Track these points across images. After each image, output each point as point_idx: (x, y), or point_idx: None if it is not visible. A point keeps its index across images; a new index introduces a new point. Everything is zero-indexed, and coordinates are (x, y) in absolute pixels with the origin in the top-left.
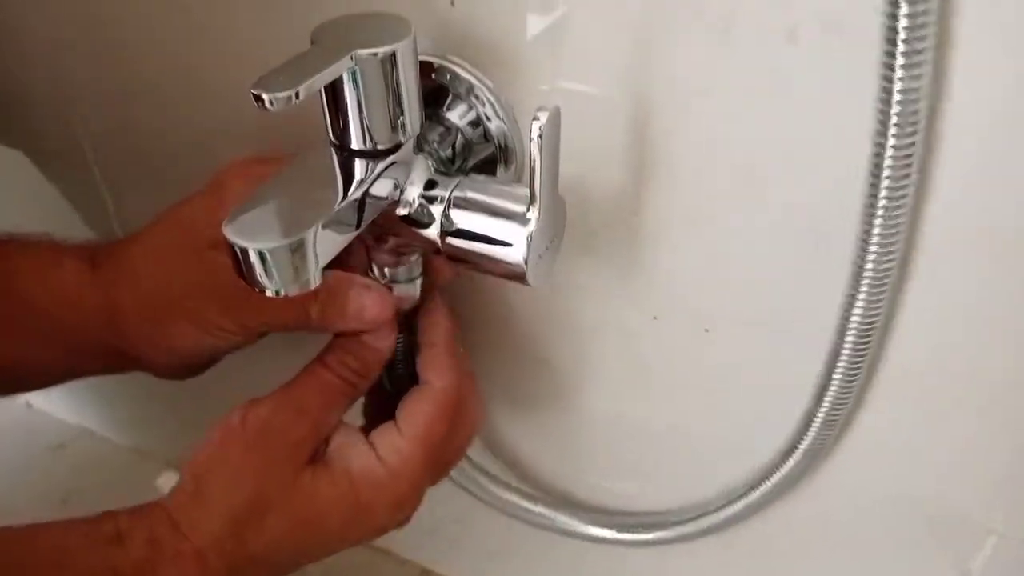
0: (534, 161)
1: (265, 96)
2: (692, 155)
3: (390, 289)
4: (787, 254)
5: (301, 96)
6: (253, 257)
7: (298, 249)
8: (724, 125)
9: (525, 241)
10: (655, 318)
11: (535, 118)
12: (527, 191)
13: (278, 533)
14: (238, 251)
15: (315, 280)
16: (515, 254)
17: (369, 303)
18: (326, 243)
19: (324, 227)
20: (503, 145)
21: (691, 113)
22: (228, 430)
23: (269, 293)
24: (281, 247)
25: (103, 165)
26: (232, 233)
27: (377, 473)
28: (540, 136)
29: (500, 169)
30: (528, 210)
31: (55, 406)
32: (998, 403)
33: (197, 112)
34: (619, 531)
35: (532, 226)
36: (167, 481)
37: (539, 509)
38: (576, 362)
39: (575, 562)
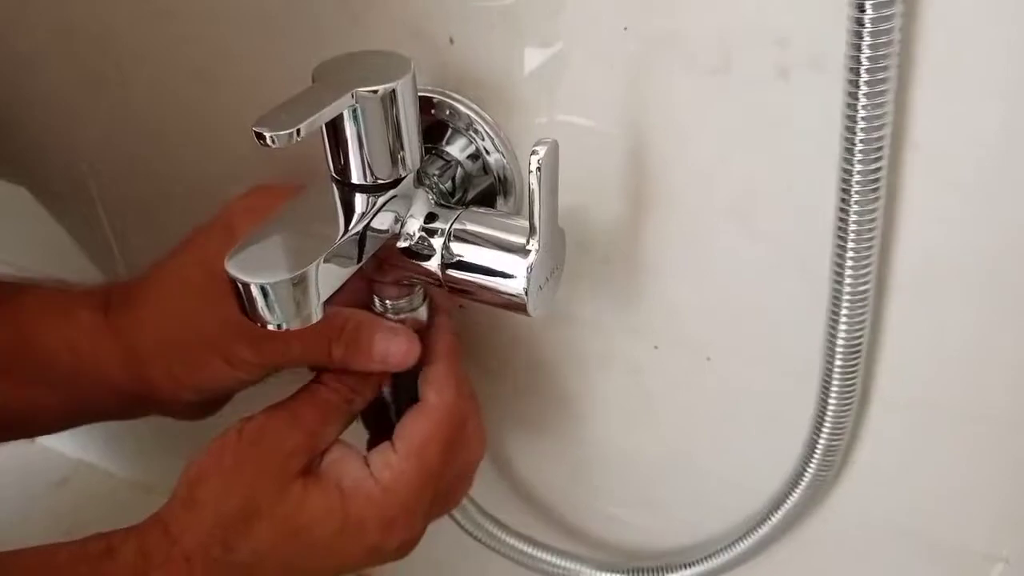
0: (533, 193)
1: (267, 134)
2: (689, 186)
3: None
4: (780, 284)
5: (302, 134)
6: (255, 292)
7: (300, 283)
8: (719, 157)
9: (526, 272)
10: (656, 347)
11: (534, 151)
12: (527, 223)
13: (265, 542)
14: (240, 286)
15: (317, 314)
16: (516, 285)
17: (395, 349)
18: (328, 277)
19: (326, 261)
20: (502, 178)
21: (687, 145)
22: (224, 440)
23: (271, 327)
24: (283, 282)
25: (108, 204)
26: (234, 268)
27: (367, 487)
28: (539, 169)
29: (500, 201)
30: (528, 242)
31: (57, 441)
32: (1000, 429)
33: (201, 152)
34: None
35: (532, 257)
36: None
37: (545, 556)
38: (578, 391)
39: None
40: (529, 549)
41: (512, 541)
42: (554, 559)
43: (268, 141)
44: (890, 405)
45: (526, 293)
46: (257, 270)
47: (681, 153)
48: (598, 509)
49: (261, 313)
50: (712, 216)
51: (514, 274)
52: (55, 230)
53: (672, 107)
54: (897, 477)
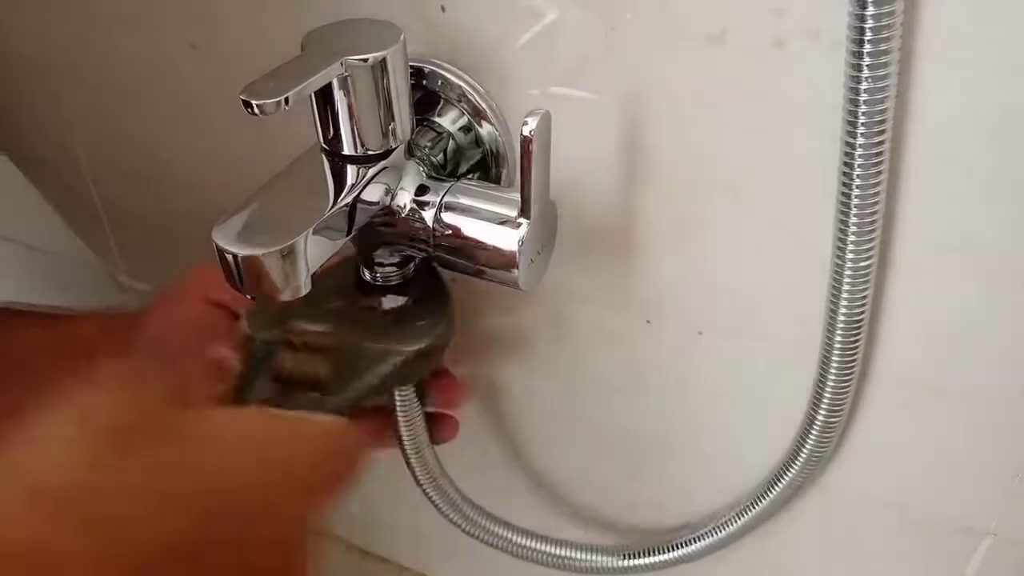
0: (525, 165)
1: (255, 103)
2: (683, 159)
3: None
4: (774, 259)
5: (291, 103)
6: (243, 263)
7: (289, 255)
8: (714, 131)
9: (516, 245)
10: (648, 322)
11: (525, 122)
12: (518, 196)
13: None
14: (228, 257)
15: (305, 287)
16: (507, 258)
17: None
18: (317, 248)
19: (315, 232)
20: (494, 150)
21: (682, 117)
22: None
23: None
24: (271, 253)
25: (96, 174)
26: (222, 239)
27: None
28: (530, 140)
29: (492, 174)
30: (519, 215)
31: None
32: (991, 406)
33: (190, 121)
34: (621, 558)
35: (523, 231)
36: None
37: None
38: (570, 366)
39: None
40: (509, 535)
41: (494, 528)
42: (543, 547)
43: (255, 109)
44: (887, 382)
45: (517, 266)
46: (245, 241)
47: (676, 125)
48: (589, 485)
49: (248, 284)
50: (707, 190)
51: (505, 247)
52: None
53: (666, 78)
54: (889, 453)
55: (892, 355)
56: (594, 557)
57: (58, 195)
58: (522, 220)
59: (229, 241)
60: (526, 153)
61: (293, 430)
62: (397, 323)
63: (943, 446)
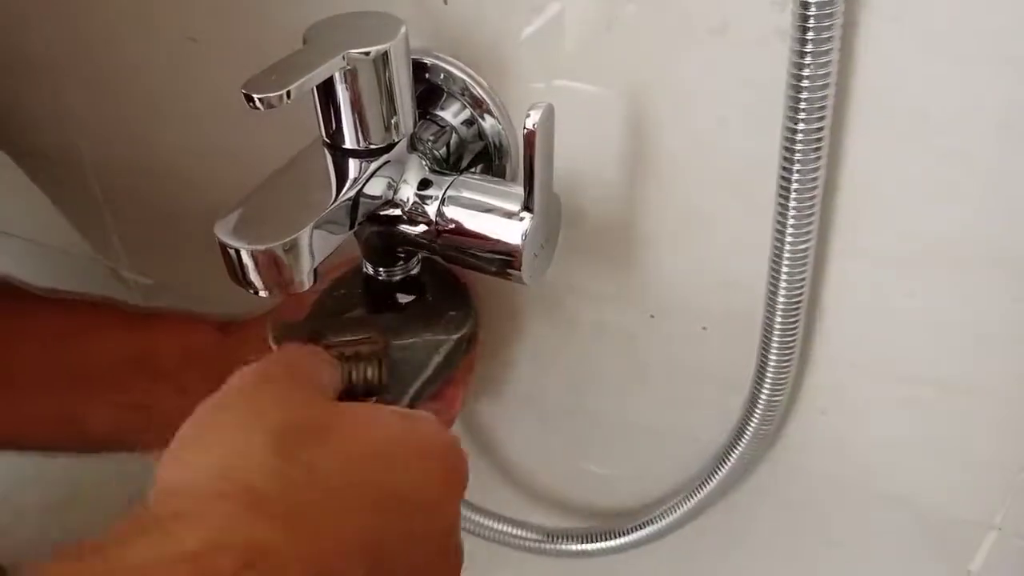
0: (528, 159)
1: (256, 96)
2: (686, 152)
3: None
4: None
5: (292, 96)
6: (246, 258)
7: (291, 249)
8: (717, 123)
9: (520, 239)
10: (651, 316)
11: (527, 115)
12: (522, 189)
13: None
14: (231, 252)
15: (308, 280)
16: (510, 252)
17: None
18: (320, 243)
19: (317, 227)
20: (497, 144)
21: (684, 110)
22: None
23: (262, 293)
24: (274, 248)
25: (97, 168)
26: (224, 234)
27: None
28: (533, 133)
29: (495, 168)
30: (523, 208)
31: None
32: (992, 400)
33: (191, 115)
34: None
35: (527, 224)
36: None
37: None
38: (572, 360)
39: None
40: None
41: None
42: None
43: (258, 103)
44: (890, 377)
45: (520, 260)
46: (248, 235)
47: (679, 118)
48: (588, 477)
49: (251, 279)
50: (710, 184)
51: (508, 241)
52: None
53: (669, 71)
54: (893, 447)
55: (894, 351)
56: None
57: (59, 189)
58: (525, 214)
59: (231, 236)
60: (529, 146)
61: (422, 424)
62: (426, 316)
63: (947, 441)
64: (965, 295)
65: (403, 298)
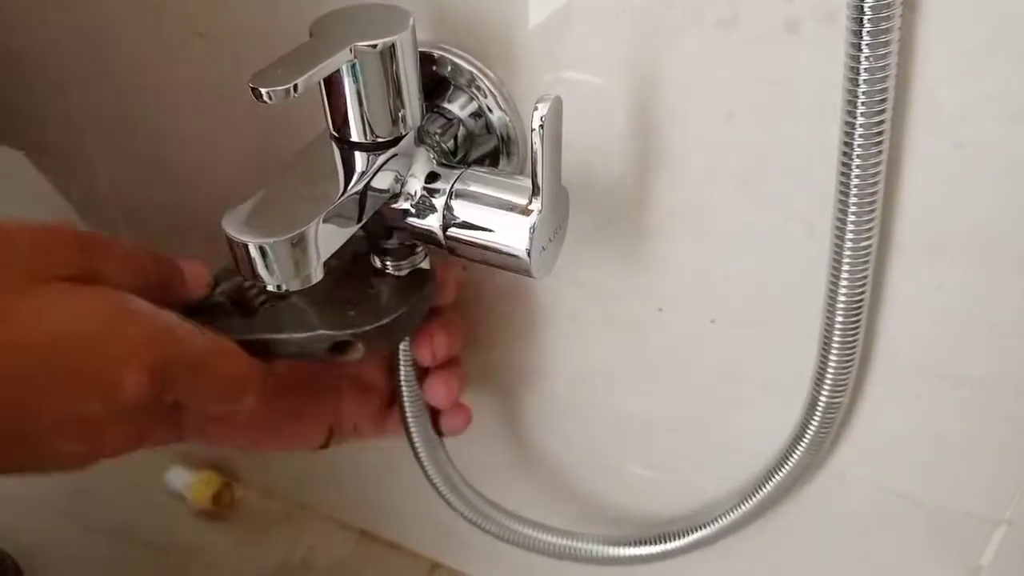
0: (536, 152)
1: (263, 90)
2: (695, 145)
3: None
4: (787, 246)
5: (299, 90)
6: (254, 252)
7: (299, 243)
8: (727, 115)
9: (528, 233)
10: (660, 310)
11: (536, 108)
12: (530, 182)
13: None
14: (239, 246)
15: (317, 274)
16: (518, 246)
17: None
18: (327, 237)
19: (325, 221)
20: (505, 136)
21: (694, 102)
22: None
23: (270, 288)
24: (282, 242)
25: (105, 161)
26: (232, 228)
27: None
28: (541, 126)
29: (503, 161)
30: (531, 201)
31: None
32: (1004, 393)
33: (198, 108)
34: (627, 547)
35: (535, 217)
36: (176, 476)
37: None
38: (581, 354)
39: None
40: (516, 526)
41: (499, 518)
42: (551, 537)
43: (264, 97)
44: (891, 367)
45: (529, 254)
46: (255, 229)
47: (688, 110)
48: (597, 473)
49: (259, 272)
50: (719, 176)
51: (517, 234)
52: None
53: (679, 63)
54: (900, 441)
55: (901, 343)
56: (597, 546)
57: (66, 185)
58: (533, 207)
59: (239, 230)
60: (537, 139)
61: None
62: (343, 302)
63: (958, 436)
64: (976, 289)
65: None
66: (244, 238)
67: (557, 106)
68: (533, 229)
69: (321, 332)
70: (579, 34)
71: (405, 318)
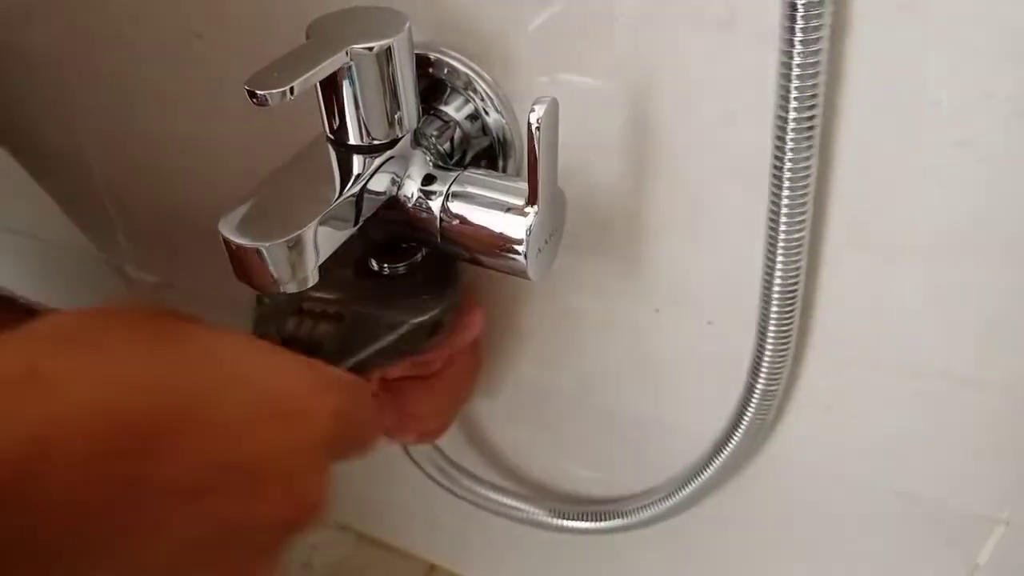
0: (532, 153)
1: (259, 93)
2: (693, 147)
3: None
4: None
5: (296, 92)
6: (250, 255)
7: (296, 246)
8: (724, 117)
9: (525, 234)
10: (657, 311)
11: (532, 110)
12: (526, 184)
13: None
14: (235, 249)
15: (313, 278)
16: (515, 248)
17: None
18: (325, 239)
19: (322, 223)
20: (502, 139)
21: (691, 104)
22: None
23: (268, 290)
24: (279, 244)
25: (103, 166)
26: (229, 230)
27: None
28: (537, 128)
29: (499, 163)
30: (527, 203)
31: None
32: (1001, 394)
33: (196, 111)
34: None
35: (531, 219)
36: None
37: (523, 506)
38: (578, 355)
39: (573, 555)
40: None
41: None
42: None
43: (261, 99)
44: (898, 370)
45: (525, 256)
46: (252, 232)
47: (685, 112)
48: (584, 468)
49: (256, 275)
50: (717, 178)
51: (513, 236)
52: (36, 190)
53: (676, 65)
54: (900, 440)
55: (901, 344)
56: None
57: (65, 186)
58: (530, 208)
59: (236, 232)
60: (533, 141)
61: (292, 363)
62: (403, 294)
63: (954, 434)
64: (972, 286)
65: (390, 270)
66: (241, 240)
67: (553, 108)
68: (530, 230)
69: (416, 321)
70: (576, 36)
71: (457, 286)
